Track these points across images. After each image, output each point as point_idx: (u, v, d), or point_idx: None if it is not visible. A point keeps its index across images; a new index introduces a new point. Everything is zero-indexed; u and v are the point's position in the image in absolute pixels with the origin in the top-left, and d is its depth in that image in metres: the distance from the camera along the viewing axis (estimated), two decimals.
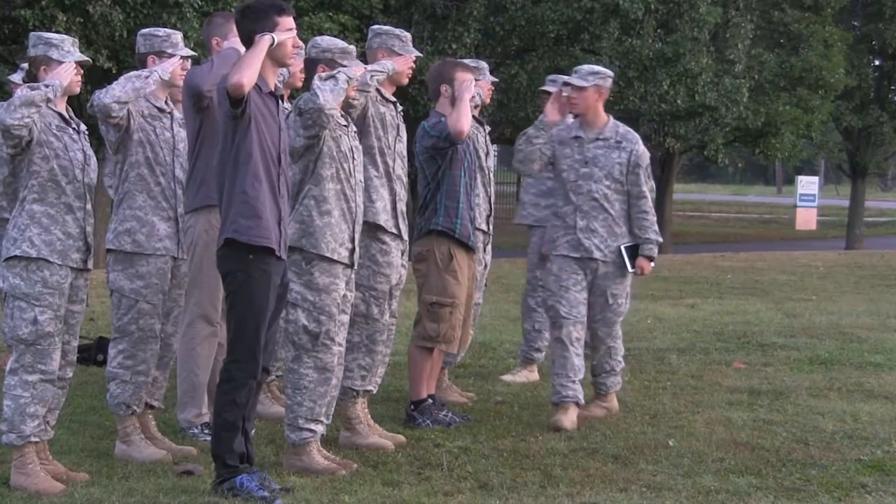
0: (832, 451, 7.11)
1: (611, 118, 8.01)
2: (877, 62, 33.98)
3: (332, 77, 6.56)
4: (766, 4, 29.99)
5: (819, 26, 29.41)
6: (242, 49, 6.91)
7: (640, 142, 7.96)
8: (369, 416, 7.40)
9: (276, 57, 6.04)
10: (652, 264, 7.93)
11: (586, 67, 7.98)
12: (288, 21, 6.03)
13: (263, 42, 5.90)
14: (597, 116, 7.96)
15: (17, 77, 8.27)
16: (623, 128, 8.00)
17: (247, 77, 5.79)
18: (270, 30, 5.95)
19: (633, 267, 7.86)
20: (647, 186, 7.86)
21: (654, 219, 7.92)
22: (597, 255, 7.85)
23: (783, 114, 27.75)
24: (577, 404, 7.82)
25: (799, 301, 15.04)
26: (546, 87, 9.31)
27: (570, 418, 7.71)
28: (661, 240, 7.93)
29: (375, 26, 7.70)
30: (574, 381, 7.80)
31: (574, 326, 7.85)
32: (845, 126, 32.87)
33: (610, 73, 8.02)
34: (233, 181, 5.96)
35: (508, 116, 24.76)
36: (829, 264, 21.28)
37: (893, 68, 33.13)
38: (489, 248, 8.63)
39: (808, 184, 39.98)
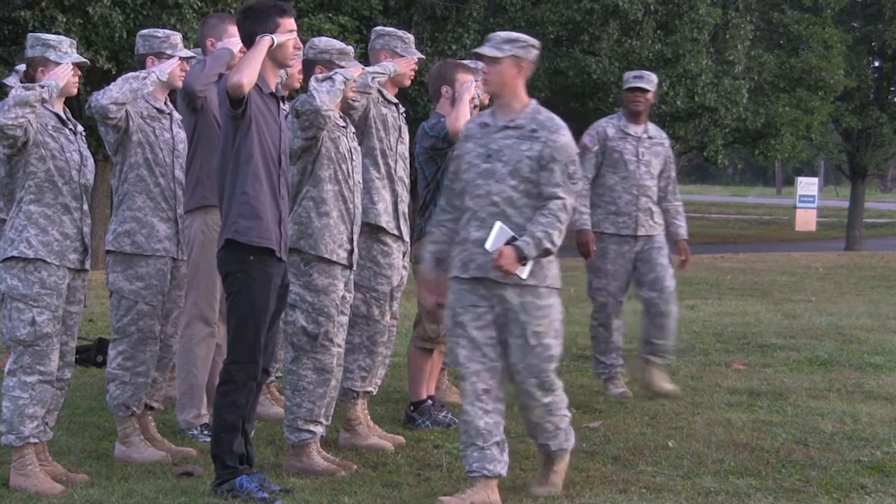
0: (832, 452, 7.11)
1: (533, 103, 6.16)
2: (876, 63, 33.98)
3: (329, 78, 6.56)
4: (765, 5, 30.01)
5: (819, 27, 29.41)
6: (236, 49, 6.95)
7: (565, 132, 6.06)
8: (369, 417, 7.40)
9: (276, 58, 6.04)
10: (523, 266, 5.91)
11: (502, 34, 6.19)
12: (289, 22, 6.04)
13: (263, 43, 5.91)
14: (514, 98, 6.10)
15: (10, 80, 8.26)
16: (546, 114, 6.11)
17: (247, 77, 5.80)
18: (272, 31, 5.96)
19: (491, 248, 5.89)
20: (568, 188, 6.01)
21: (560, 224, 5.96)
22: (494, 274, 5.94)
23: (783, 115, 27.77)
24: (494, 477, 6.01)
25: (798, 302, 15.04)
26: (638, 84, 8.95)
27: (483, 497, 5.95)
28: (549, 247, 5.94)
29: (378, 27, 7.71)
30: (482, 449, 5.98)
31: (478, 377, 6.00)
32: (845, 127, 32.87)
33: (534, 42, 6.19)
34: (233, 182, 5.96)
35: None
36: (828, 265, 21.29)
37: (893, 69, 33.13)
38: None
39: (807, 185, 39.99)
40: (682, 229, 9.06)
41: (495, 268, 5.88)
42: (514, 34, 6.18)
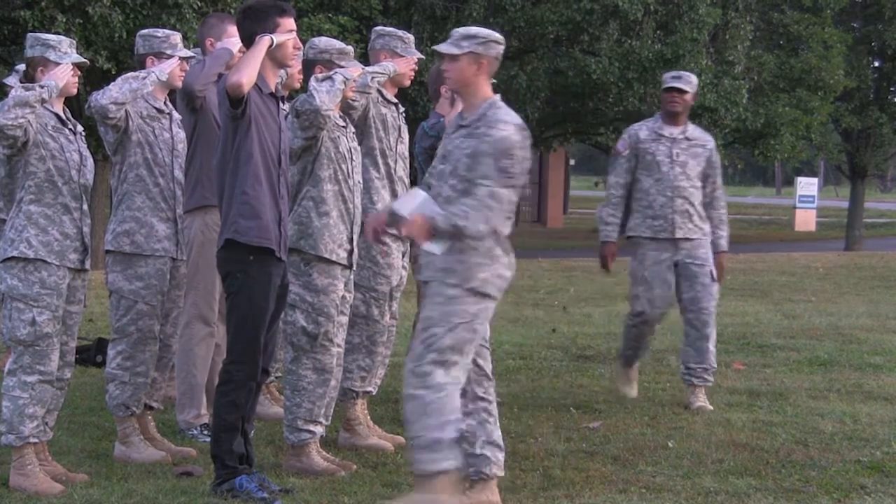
0: (831, 452, 7.11)
1: (491, 100, 5.83)
2: (876, 63, 33.94)
3: (329, 78, 6.56)
4: (765, 5, 29.99)
5: (818, 27, 29.39)
6: (235, 49, 6.95)
7: (504, 126, 5.69)
8: (369, 417, 7.40)
9: (276, 58, 6.04)
10: (434, 240, 5.64)
11: (461, 30, 5.90)
12: (289, 22, 6.04)
13: (263, 43, 5.91)
14: (475, 96, 5.83)
15: (11, 80, 8.26)
16: (494, 110, 5.77)
17: (246, 77, 5.79)
18: (271, 31, 5.96)
19: (407, 213, 5.70)
20: (499, 180, 5.63)
21: (484, 210, 5.60)
22: (425, 274, 5.80)
23: (782, 115, 27.74)
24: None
25: (798, 302, 15.04)
26: (676, 85, 8.66)
27: (483, 498, 5.92)
28: (463, 225, 5.58)
29: (378, 27, 7.70)
30: (474, 452, 5.90)
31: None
32: (844, 127, 32.84)
33: (497, 37, 5.87)
34: (233, 182, 5.97)
35: None
36: (828, 265, 21.28)
37: (893, 70, 33.10)
38: None
39: (807, 185, 39.97)
40: (723, 240, 8.66)
41: (405, 235, 5.74)
42: (476, 30, 5.87)
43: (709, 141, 8.71)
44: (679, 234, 8.51)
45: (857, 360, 10.31)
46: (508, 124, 5.72)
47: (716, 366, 8.58)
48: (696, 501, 6.15)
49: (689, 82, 8.71)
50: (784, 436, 7.50)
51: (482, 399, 5.92)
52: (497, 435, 5.97)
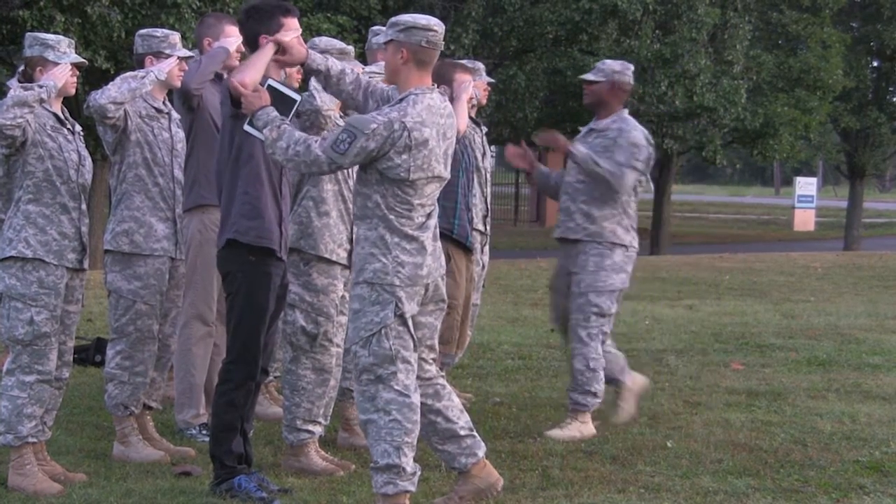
0: (830, 452, 7.12)
1: (408, 92, 5.58)
2: (875, 63, 33.98)
3: None
4: (764, 5, 29.99)
5: (817, 27, 29.40)
6: (232, 48, 6.94)
7: (388, 113, 5.48)
8: None
9: (285, 60, 6.00)
10: (250, 122, 5.72)
11: (392, 18, 5.68)
12: (293, 22, 6.01)
13: (269, 48, 5.85)
14: (403, 86, 5.63)
15: (14, 82, 8.26)
16: (406, 98, 5.56)
17: (249, 78, 5.77)
18: (276, 31, 5.91)
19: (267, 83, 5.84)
20: (330, 140, 5.53)
21: (286, 139, 5.60)
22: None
23: (781, 115, 27.74)
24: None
25: (797, 302, 15.04)
26: (583, 77, 7.95)
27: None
28: (267, 133, 5.62)
29: (376, 26, 7.70)
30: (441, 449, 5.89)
31: None
32: (843, 127, 32.87)
33: (422, 22, 5.56)
34: (234, 181, 5.96)
35: (506, 117, 24.78)
36: (827, 265, 21.26)
37: (891, 69, 33.13)
38: (487, 248, 8.62)
39: (806, 185, 40.00)
40: (576, 149, 7.58)
41: (245, 98, 5.69)
42: (401, 17, 5.62)
43: (621, 129, 7.63)
44: (557, 234, 7.79)
45: (855, 360, 10.31)
46: (381, 112, 5.49)
47: (590, 388, 7.61)
48: (694, 501, 6.16)
49: (599, 71, 7.78)
50: (783, 436, 7.50)
51: (428, 396, 5.77)
52: (453, 427, 5.80)
